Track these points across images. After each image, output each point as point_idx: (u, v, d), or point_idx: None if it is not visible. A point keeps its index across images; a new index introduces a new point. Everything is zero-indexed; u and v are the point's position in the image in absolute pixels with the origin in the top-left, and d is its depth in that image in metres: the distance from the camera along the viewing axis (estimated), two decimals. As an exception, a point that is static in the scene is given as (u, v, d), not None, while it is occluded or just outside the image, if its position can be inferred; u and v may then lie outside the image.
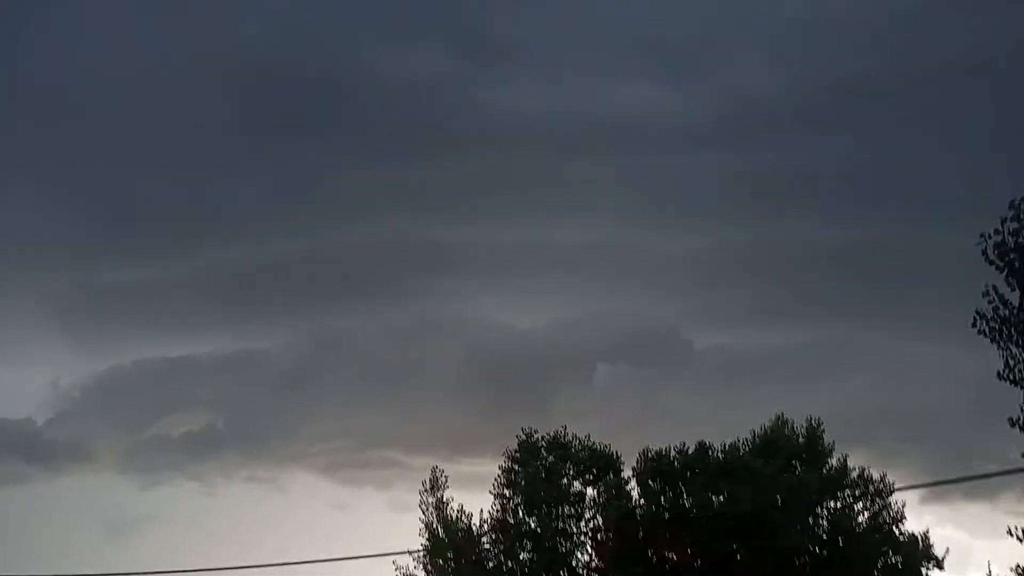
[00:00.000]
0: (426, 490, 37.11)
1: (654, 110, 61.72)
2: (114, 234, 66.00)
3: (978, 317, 20.13)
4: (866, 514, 36.31)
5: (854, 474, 36.59)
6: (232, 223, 66.13)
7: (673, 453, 36.12)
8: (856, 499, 36.10)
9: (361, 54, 63.65)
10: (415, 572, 36.41)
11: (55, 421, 62.07)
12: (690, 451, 36.09)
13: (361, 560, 28.48)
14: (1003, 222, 19.57)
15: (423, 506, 36.99)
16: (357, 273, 65.74)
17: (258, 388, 62.65)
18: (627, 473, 36.57)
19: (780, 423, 37.45)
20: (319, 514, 63.18)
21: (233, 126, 64.30)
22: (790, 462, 36.30)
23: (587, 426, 37.86)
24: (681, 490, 35.61)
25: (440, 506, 36.89)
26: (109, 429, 61.89)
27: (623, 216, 62.83)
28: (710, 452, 36.12)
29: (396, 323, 64.90)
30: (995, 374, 20.18)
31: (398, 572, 36.22)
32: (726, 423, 40.82)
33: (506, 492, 36.71)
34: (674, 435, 36.83)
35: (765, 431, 37.22)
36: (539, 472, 36.55)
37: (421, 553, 36.35)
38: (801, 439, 37.09)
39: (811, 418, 37.28)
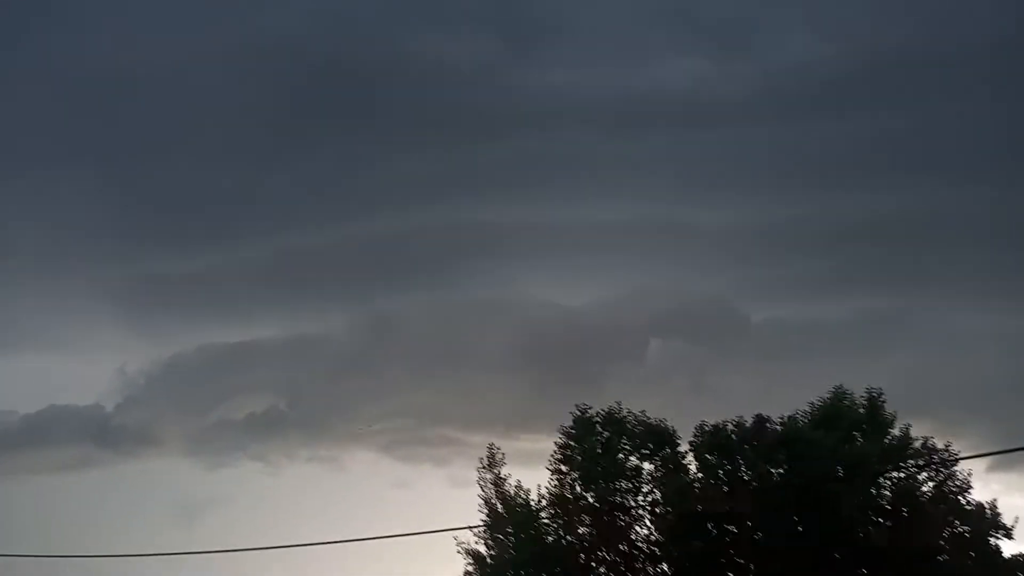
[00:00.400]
0: (484, 467, 37.21)
1: (697, 85, 61.34)
2: (175, 224, 67.22)
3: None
4: (931, 484, 35.88)
5: (917, 444, 36.15)
6: (286, 212, 67.00)
7: (731, 426, 35.79)
8: (920, 469, 35.60)
9: (403, 42, 63.95)
10: (476, 547, 36.60)
11: (123, 407, 63.61)
12: (748, 424, 35.73)
13: (422, 536, 28.57)
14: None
15: (481, 483, 37.14)
16: (408, 257, 66.22)
17: (318, 370, 63.51)
18: (684, 447, 36.34)
19: (839, 395, 37.00)
20: (379, 491, 64.01)
21: (286, 117, 65.11)
22: (851, 433, 35.85)
23: (642, 402, 37.70)
24: (739, 463, 35.29)
25: (498, 482, 36.94)
26: (175, 413, 63.13)
27: (668, 192, 62.65)
28: (768, 425, 35.74)
29: (448, 304, 65.27)
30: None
31: (459, 547, 36.48)
32: (784, 396, 40.48)
33: (563, 468, 36.62)
34: (730, 409, 36.51)
35: (824, 403, 36.79)
36: (595, 447, 36.40)
37: (481, 529, 36.47)
38: (862, 410, 36.62)
39: (872, 389, 36.85)
